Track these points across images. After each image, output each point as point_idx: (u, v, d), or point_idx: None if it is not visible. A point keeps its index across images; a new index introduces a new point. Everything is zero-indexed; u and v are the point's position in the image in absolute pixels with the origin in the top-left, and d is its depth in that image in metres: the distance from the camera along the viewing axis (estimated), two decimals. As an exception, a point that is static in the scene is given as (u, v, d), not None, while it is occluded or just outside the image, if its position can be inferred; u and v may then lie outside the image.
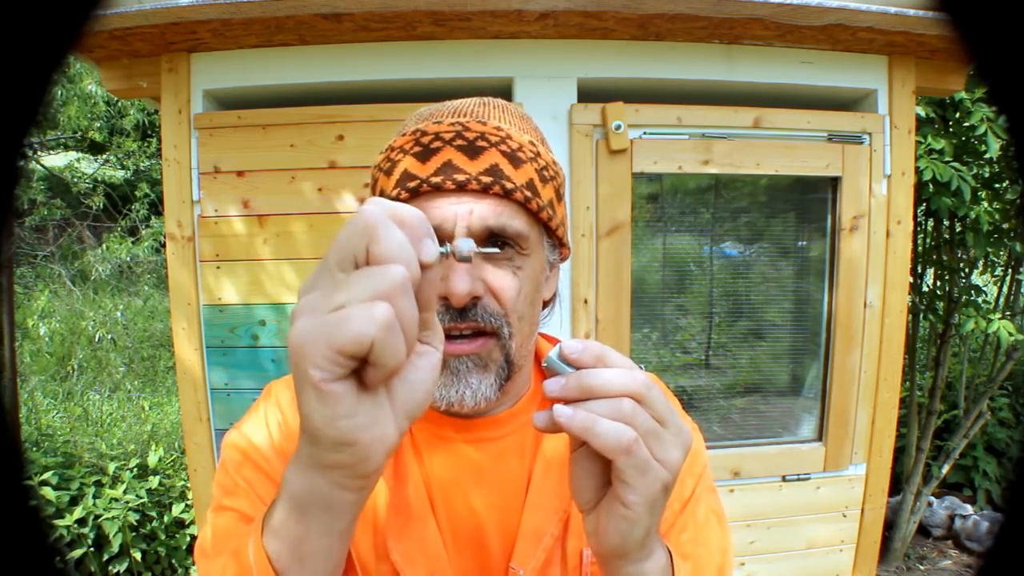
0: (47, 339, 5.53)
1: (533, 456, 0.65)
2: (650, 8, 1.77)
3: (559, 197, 0.64)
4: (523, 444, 0.65)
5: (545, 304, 0.67)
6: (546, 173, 0.61)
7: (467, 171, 0.55)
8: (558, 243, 0.65)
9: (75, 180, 6.43)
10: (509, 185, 0.56)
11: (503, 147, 0.57)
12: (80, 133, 6.57)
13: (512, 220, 0.57)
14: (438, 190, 0.56)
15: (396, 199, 0.56)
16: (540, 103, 2.01)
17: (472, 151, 0.56)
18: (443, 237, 0.55)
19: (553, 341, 0.73)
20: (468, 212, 0.55)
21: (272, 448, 0.63)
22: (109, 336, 5.74)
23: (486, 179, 0.56)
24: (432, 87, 2.06)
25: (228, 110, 2.03)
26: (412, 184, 0.56)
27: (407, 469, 0.63)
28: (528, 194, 0.57)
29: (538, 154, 0.61)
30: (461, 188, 0.55)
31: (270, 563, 0.44)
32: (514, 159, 0.57)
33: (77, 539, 2.67)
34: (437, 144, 0.56)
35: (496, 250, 0.55)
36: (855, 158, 2.10)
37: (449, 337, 0.56)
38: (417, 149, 0.57)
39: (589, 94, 2.02)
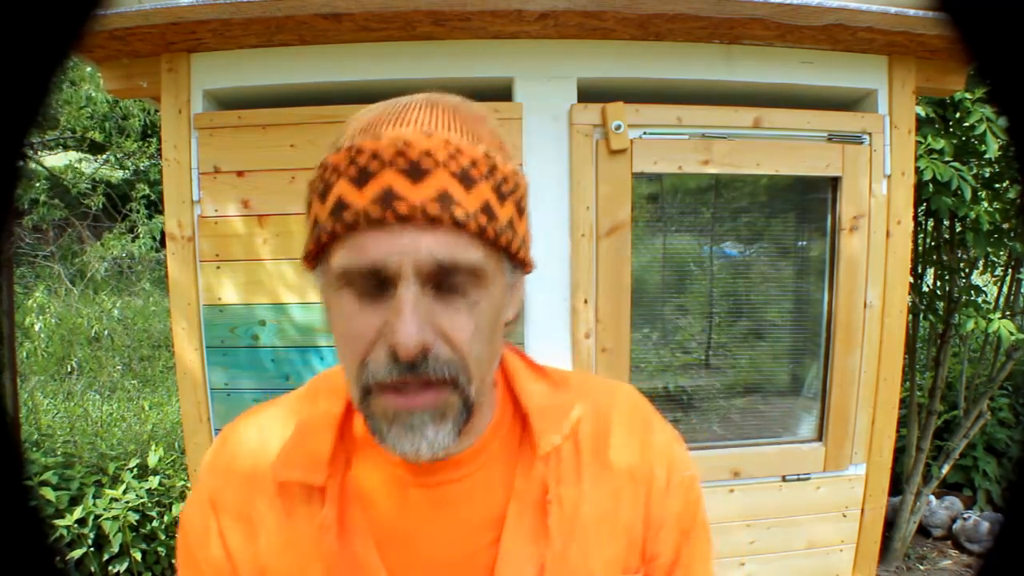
0: (43, 336, 5.53)
1: (507, 494, 0.59)
2: (650, 8, 1.77)
3: (520, 211, 0.55)
4: (490, 482, 0.59)
5: (506, 324, 0.59)
6: (504, 188, 0.52)
7: (411, 199, 0.47)
8: (520, 264, 0.58)
9: (74, 181, 6.43)
10: (460, 214, 0.48)
11: (453, 166, 0.48)
12: (80, 133, 6.58)
13: (466, 252, 0.48)
14: (378, 224, 0.47)
15: (332, 232, 0.49)
16: (540, 103, 2.01)
17: (416, 174, 0.47)
18: (387, 279, 0.48)
19: (520, 355, 0.68)
20: (414, 246, 0.47)
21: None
22: (106, 333, 5.74)
23: (433, 209, 0.47)
24: (432, 87, 2.05)
25: (228, 110, 2.03)
26: (348, 217, 0.48)
27: (352, 521, 0.57)
28: (483, 221, 0.49)
29: (494, 167, 0.51)
30: (404, 221, 0.47)
31: None
32: (466, 179, 0.49)
33: (77, 539, 2.67)
34: (375, 166, 0.48)
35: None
36: (855, 158, 2.10)
37: (397, 389, 0.49)
38: (352, 171, 0.48)
39: (589, 94, 2.02)
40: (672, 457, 0.66)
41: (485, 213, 0.49)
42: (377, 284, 0.49)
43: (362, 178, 0.48)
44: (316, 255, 0.53)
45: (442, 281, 0.49)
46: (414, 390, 0.50)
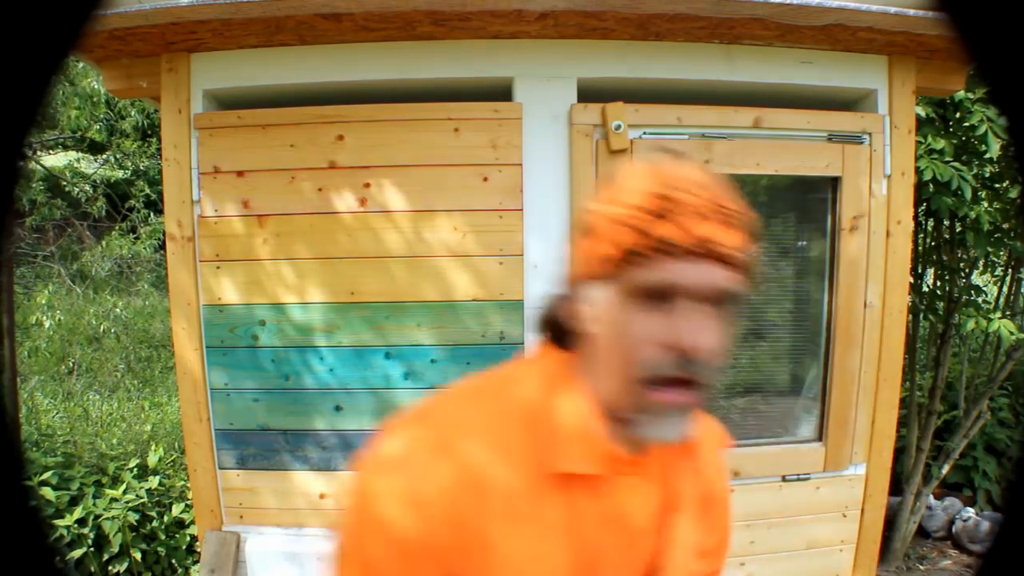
0: (51, 332, 5.54)
1: (673, 490, 0.70)
2: (650, 8, 1.77)
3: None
4: (655, 474, 0.70)
5: None
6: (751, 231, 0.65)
7: (723, 243, 0.60)
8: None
9: (74, 183, 6.43)
10: (740, 256, 0.61)
11: (739, 220, 0.62)
12: (80, 133, 6.58)
13: (736, 284, 0.61)
14: (690, 253, 0.59)
15: (666, 251, 0.59)
16: (540, 103, 2.01)
17: (729, 224, 0.61)
18: (676, 292, 0.60)
19: None
20: (711, 276, 0.59)
21: None
22: (112, 331, 5.74)
23: (730, 252, 0.60)
24: (432, 87, 2.06)
25: (228, 110, 2.03)
26: (685, 244, 0.59)
27: (618, 507, 0.67)
28: (747, 259, 0.62)
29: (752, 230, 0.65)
30: (709, 255, 0.60)
31: None
32: (740, 227, 0.62)
33: (77, 539, 2.67)
34: (698, 217, 0.60)
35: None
36: (855, 158, 2.10)
37: (673, 384, 0.60)
38: (686, 213, 0.61)
39: (589, 94, 2.02)
40: (726, 475, 0.80)
41: (745, 252, 0.63)
42: (662, 298, 0.60)
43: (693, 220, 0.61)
44: (616, 269, 0.63)
45: (718, 303, 0.61)
46: (684, 387, 0.60)
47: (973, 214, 2.70)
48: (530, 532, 0.61)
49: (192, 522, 2.88)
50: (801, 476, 2.19)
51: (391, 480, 0.60)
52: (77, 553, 2.65)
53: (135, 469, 3.03)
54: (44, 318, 5.60)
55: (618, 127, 1.98)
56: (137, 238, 6.74)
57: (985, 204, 2.79)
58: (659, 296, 0.60)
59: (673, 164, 0.66)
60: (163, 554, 2.83)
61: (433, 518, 0.58)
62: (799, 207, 2.28)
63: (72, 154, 7.63)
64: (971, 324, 2.68)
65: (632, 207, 0.62)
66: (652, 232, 0.60)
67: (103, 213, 6.64)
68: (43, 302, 5.80)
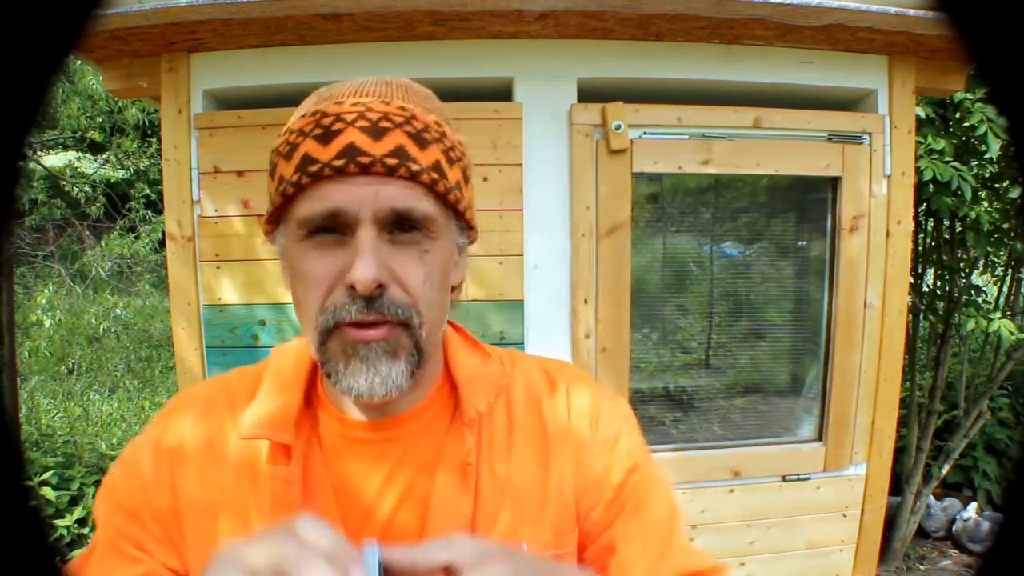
0: (51, 332, 5.53)
1: (436, 460, 0.62)
2: (650, 8, 1.77)
3: (466, 179, 0.62)
4: (426, 444, 0.63)
5: (453, 289, 0.64)
6: (452, 154, 0.58)
7: (371, 153, 0.53)
8: (466, 226, 0.63)
9: (73, 183, 6.43)
10: (415, 167, 0.54)
11: (408, 127, 0.55)
12: (80, 133, 6.57)
13: (419, 203, 0.54)
14: (340, 173, 0.53)
15: (297, 184, 0.54)
16: (540, 103, 2.01)
17: (376, 132, 0.53)
18: (346, 223, 0.53)
19: (459, 329, 0.72)
20: (373, 194, 0.53)
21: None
22: (112, 331, 5.74)
23: (391, 161, 0.53)
24: (432, 87, 2.05)
25: (228, 110, 2.03)
26: (313, 168, 0.53)
27: (318, 479, 0.61)
28: (435, 176, 0.55)
29: (444, 134, 0.58)
30: (365, 171, 0.53)
31: None
32: (419, 140, 0.55)
33: (77, 539, 2.67)
34: (339, 125, 0.54)
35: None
36: (855, 158, 2.10)
37: (355, 325, 0.54)
38: (318, 131, 0.54)
39: (589, 94, 2.02)
40: (597, 415, 0.68)
41: (436, 171, 0.56)
42: (336, 233, 0.54)
43: (327, 136, 0.54)
44: (279, 213, 0.58)
45: (397, 229, 0.55)
46: (372, 328, 0.54)
47: (973, 214, 2.70)
48: (228, 500, 0.60)
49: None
50: (801, 476, 2.19)
51: (124, 450, 0.65)
52: (77, 553, 2.65)
53: (135, 469, 3.03)
54: (44, 318, 5.60)
55: (618, 127, 1.98)
56: (137, 237, 6.74)
57: (985, 204, 2.79)
58: (325, 228, 0.54)
59: (364, 80, 0.61)
60: (163, 554, 2.82)
61: (139, 479, 0.61)
62: (799, 207, 2.28)
63: (72, 154, 7.63)
64: (971, 324, 2.68)
65: (284, 132, 0.59)
66: (294, 153, 0.55)
67: (103, 213, 6.64)
68: (43, 302, 5.81)
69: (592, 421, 0.67)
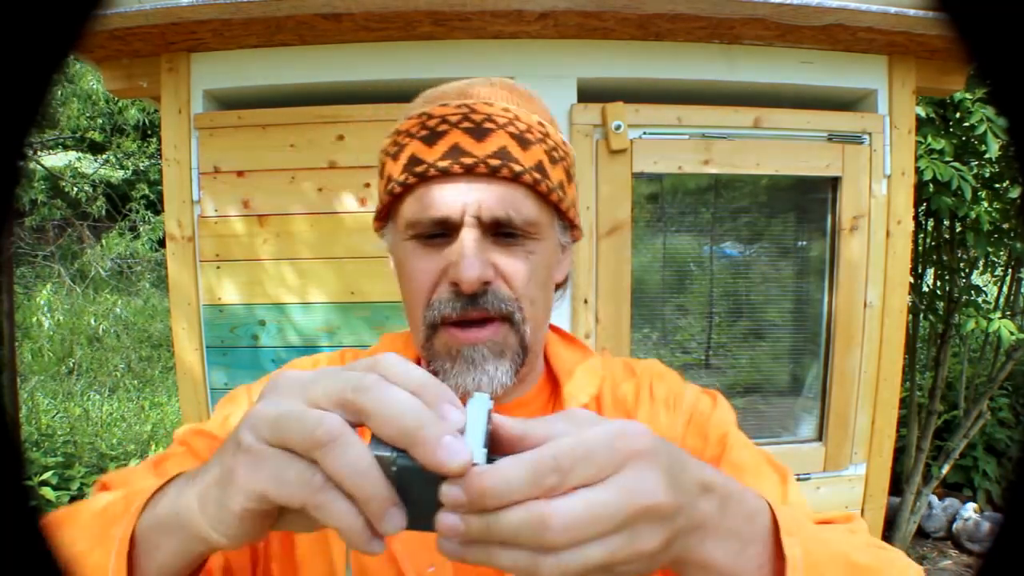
0: (51, 332, 5.54)
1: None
2: (650, 8, 1.77)
3: (569, 178, 0.62)
4: None
5: (557, 287, 0.65)
6: (556, 154, 0.59)
7: (475, 154, 0.54)
8: (569, 225, 0.63)
9: (74, 183, 6.43)
10: (518, 168, 0.55)
11: (511, 128, 0.56)
12: (80, 133, 6.57)
13: (521, 206, 0.55)
14: (445, 174, 0.54)
15: (404, 184, 0.55)
16: (540, 103, 2.01)
17: (479, 133, 0.55)
18: (452, 226, 0.54)
19: (560, 332, 0.72)
20: (476, 202, 0.54)
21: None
22: (112, 331, 5.74)
23: (494, 162, 0.54)
24: (432, 87, 2.06)
25: (228, 110, 2.03)
26: (419, 169, 0.55)
27: None
28: (537, 176, 0.56)
29: (547, 135, 0.59)
30: (469, 171, 0.54)
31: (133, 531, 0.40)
32: (522, 141, 0.56)
33: (77, 539, 2.67)
34: (444, 127, 0.55)
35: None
36: (855, 158, 2.10)
37: (460, 324, 0.55)
38: (423, 132, 0.56)
39: (589, 94, 2.02)
40: (693, 410, 0.65)
41: (538, 171, 0.56)
42: (442, 232, 0.55)
43: (432, 138, 0.55)
44: (388, 211, 0.60)
45: (501, 229, 0.55)
46: (475, 325, 0.55)
47: (973, 214, 2.70)
48: None
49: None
50: (801, 476, 2.18)
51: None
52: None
53: (135, 469, 3.03)
54: (44, 318, 5.60)
55: (618, 127, 1.98)
56: (136, 237, 6.74)
57: (985, 204, 2.79)
58: (433, 230, 0.55)
59: (469, 82, 0.61)
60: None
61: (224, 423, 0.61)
62: (799, 207, 2.28)
63: (72, 154, 7.63)
64: (971, 324, 2.68)
65: (392, 133, 0.60)
66: (401, 154, 0.56)
67: (103, 213, 6.64)
68: (43, 302, 5.81)
69: (672, 406, 0.65)
